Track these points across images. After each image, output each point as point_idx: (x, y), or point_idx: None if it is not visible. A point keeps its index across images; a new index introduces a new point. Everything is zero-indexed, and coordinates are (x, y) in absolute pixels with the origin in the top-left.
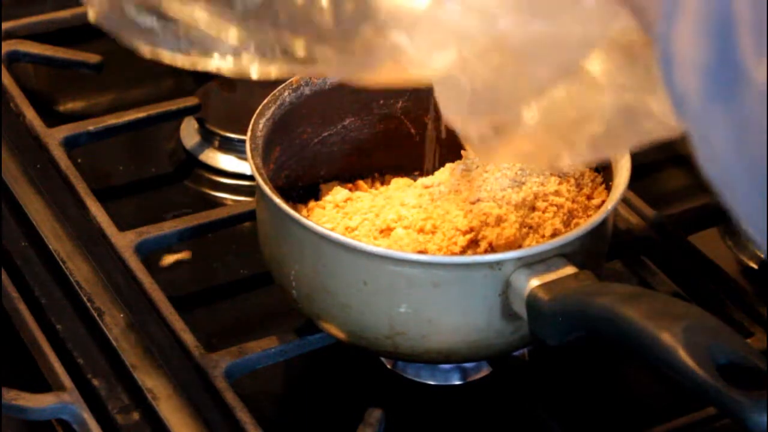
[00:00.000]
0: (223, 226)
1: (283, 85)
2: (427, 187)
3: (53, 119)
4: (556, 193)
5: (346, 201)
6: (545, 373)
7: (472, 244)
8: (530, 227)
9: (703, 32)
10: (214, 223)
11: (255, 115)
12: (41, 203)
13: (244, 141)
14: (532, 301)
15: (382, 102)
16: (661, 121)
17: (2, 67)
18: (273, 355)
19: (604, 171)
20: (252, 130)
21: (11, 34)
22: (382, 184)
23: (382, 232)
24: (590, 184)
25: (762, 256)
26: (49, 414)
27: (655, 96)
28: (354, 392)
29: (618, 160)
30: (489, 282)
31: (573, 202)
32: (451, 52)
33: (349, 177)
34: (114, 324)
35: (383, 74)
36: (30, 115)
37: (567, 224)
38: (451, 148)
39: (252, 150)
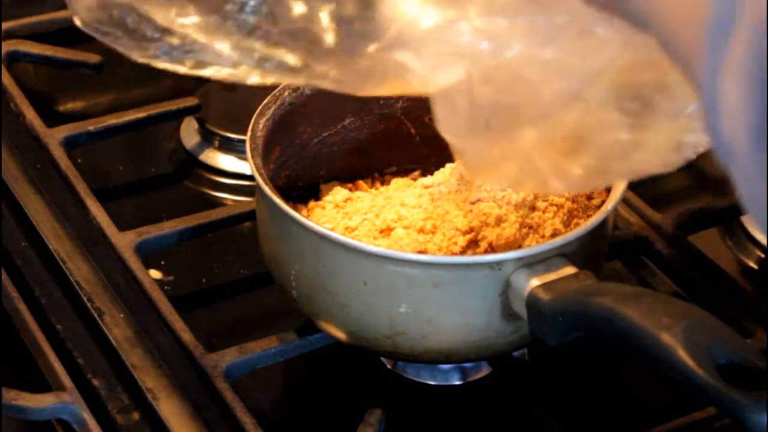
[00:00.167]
0: (223, 226)
1: (283, 85)
2: (427, 187)
3: (53, 119)
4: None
5: (346, 201)
6: (545, 373)
7: (472, 244)
8: (530, 227)
9: (749, 82)
10: (214, 223)
11: (255, 115)
12: (41, 203)
13: (244, 141)
14: (532, 301)
15: (382, 102)
16: (655, 156)
17: (2, 67)
18: (273, 355)
19: None
20: (252, 130)
21: (11, 34)
22: (382, 184)
23: (382, 232)
24: None
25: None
26: (49, 414)
27: (651, 131)
28: (354, 392)
29: None
30: (489, 282)
31: (573, 202)
32: (458, 70)
33: (349, 177)
34: (114, 324)
35: (386, 88)
36: (30, 115)
37: (567, 224)
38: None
39: (252, 150)
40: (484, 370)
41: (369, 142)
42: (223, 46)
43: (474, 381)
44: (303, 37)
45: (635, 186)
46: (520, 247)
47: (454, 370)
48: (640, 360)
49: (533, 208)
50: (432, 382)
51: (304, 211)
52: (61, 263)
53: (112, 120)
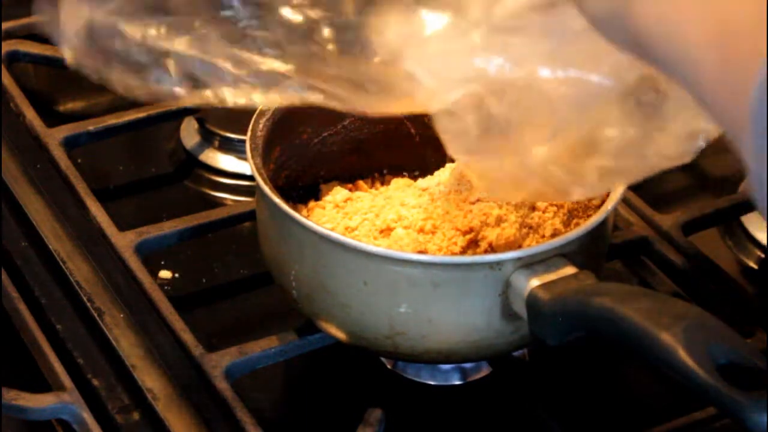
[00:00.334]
0: (223, 226)
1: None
2: (426, 187)
3: (53, 119)
4: None
5: (346, 201)
6: (545, 373)
7: (472, 244)
8: (530, 227)
9: None
10: (214, 223)
11: (255, 115)
12: (41, 203)
13: (244, 141)
14: (532, 301)
15: None
16: (668, 148)
17: (2, 67)
18: (273, 355)
19: None
20: (252, 130)
21: (11, 34)
22: (382, 184)
23: (382, 232)
24: None
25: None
26: (49, 414)
27: (664, 121)
28: (354, 392)
29: None
30: (489, 282)
31: (573, 202)
32: (467, 85)
33: (349, 177)
34: (114, 324)
35: (395, 106)
36: (30, 115)
37: (567, 224)
38: None
39: (252, 150)
40: (484, 370)
41: (369, 142)
42: (224, 65)
43: (474, 381)
44: (301, 48)
45: (635, 186)
46: (520, 247)
47: (454, 370)
48: (640, 360)
49: (533, 208)
50: (432, 382)
51: (304, 211)
52: (61, 263)
53: (112, 120)
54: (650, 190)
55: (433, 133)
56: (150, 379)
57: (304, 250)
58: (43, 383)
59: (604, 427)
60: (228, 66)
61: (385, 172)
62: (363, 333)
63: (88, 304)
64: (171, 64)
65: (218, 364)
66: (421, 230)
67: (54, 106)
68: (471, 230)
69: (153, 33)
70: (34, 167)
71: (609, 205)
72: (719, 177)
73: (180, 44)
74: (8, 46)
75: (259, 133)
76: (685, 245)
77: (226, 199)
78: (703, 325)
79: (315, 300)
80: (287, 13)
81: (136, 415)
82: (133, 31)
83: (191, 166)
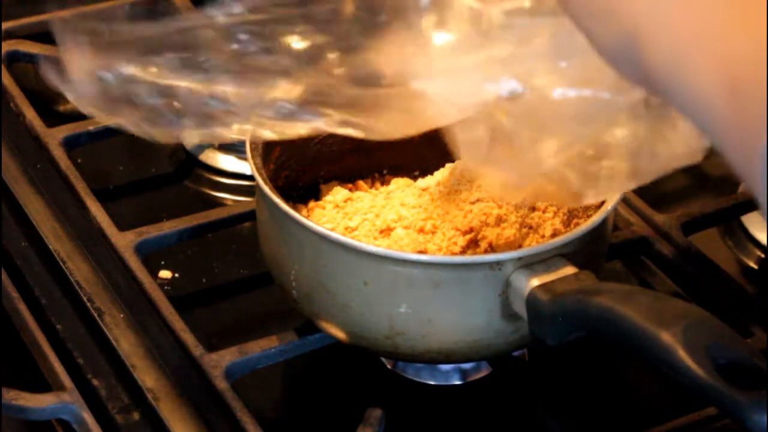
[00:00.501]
0: (223, 226)
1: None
2: (426, 187)
3: (53, 119)
4: None
5: (346, 201)
6: (545, 373)
7: (472, 244)
8: (530, 227)
9: None
10: (214, 223)
11: None
12: (41, 203)
13: (244, 141)
14: (532, 301)
15: None
16: (680, 146)
17: (2, 67)
18: (273, 355)
19: None
20: None
21: (11, 34)
22: (382, 184)
23: (382, 232)
24: None
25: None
26: (49, 414)
27: (670, 128)
28: (354, 392)
29: None
30: (489, 282)
31: None
32: (479, 100)
33: (349, 177)
34: (114, 324)
35: (413, 128)
36: (30, 115)
37: (567, 224)
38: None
39: (252, 150)
40: (484, 370)
41: (369, 142)
42: (234, 99)
43: (474, 381)
44: (310, 74)
45: None
46: (520, 247)
47: (454, 370)
48: (640, 360)
49: (533, 208)
50: (432, 382)
51: (304, 211)
52: (61, 263)
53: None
54: (650, 190)
55: (433, 133)
56: (150, 379)
57: (304, 250)
58: (43, 383)
59: (604, 427)
60: (238, 100)
61: (385, 172)
62: (363, 333)
63: (88, 304)
64: (180, 103)
65: (218, 364)
66: (421, 230)
67: (54, 106)
68: (471, 230)
69: (159, 72)
70: (34, 167)
71: (609, 205)
72: (719, 177)
73: (188, 82)
74: (8, 46)
75: None
76: (685, 245)
77: (226, 199)
78: (703, 325)
79: (315, 300)
80: (293, 41)
81: (136, 415)
82: (140, 73)
83: (191, 166)
